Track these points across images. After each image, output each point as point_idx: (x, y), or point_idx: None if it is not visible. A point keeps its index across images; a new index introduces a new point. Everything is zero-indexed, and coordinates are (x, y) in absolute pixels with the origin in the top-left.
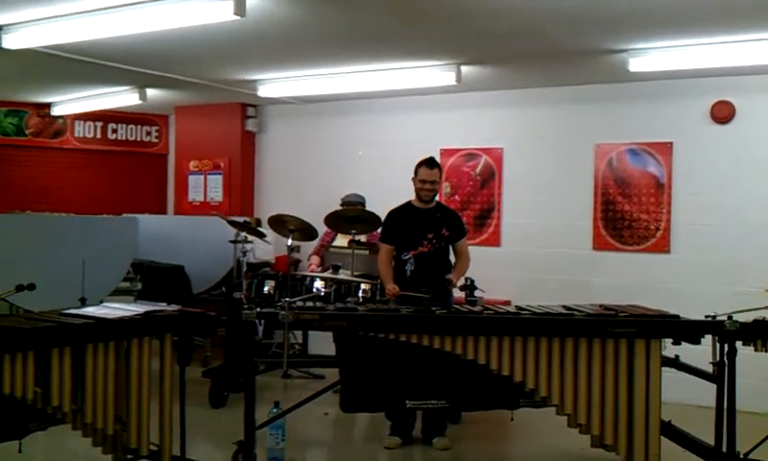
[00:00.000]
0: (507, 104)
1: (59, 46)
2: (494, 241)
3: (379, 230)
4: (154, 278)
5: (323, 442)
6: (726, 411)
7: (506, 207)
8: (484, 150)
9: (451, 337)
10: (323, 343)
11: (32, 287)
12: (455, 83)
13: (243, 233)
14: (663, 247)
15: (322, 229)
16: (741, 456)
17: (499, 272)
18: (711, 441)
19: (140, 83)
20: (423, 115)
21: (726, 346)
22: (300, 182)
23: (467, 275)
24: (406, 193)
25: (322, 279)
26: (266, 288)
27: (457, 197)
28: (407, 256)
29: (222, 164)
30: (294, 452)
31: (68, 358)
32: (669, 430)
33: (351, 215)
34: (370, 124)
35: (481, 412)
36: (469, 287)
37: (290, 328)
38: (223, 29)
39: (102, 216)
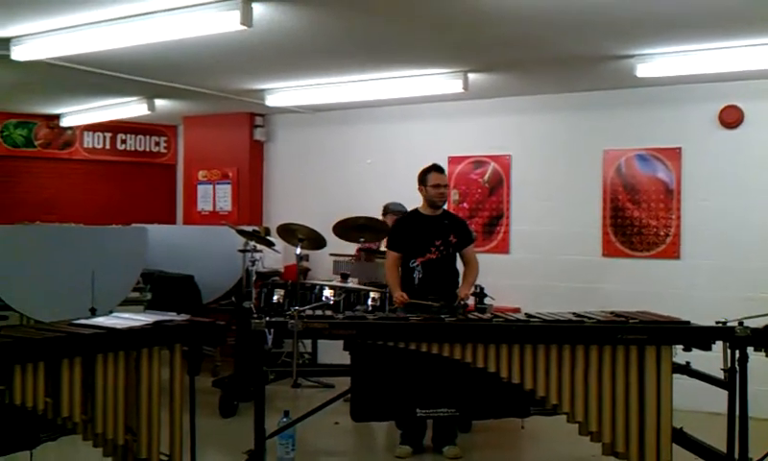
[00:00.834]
0: (515, 111)
1: (67, 58)
2: (503, 248)
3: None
4: (163, 287)
5: (333, 451)
6: (738, 418)
7: (515, 214)
8: (492, 157)
9: (461, 345)
10: (332, 352)
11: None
12: (462, 90)
13: (252, 243)
14: (673, 253)
15: (330, 237)
16: None
17: (508, 279)
18: (723, 448)
19: (149, 93)
20: (431, 123)
21: (737, 352)
22: (308, 191)
23: (476, 282)
24: (414, 201)
25: (331, 287)
26: (275, 297)
27: (465, 204)
28: (415, 264)
29: (230, 174)
30: None
31: (78, 369)
32: (681, 437)
33: (360, 223)
34: (378, 132)
35: (491, 420)
36: (479, 295)
37: (299, 337)
38: (230, 39)
39: (111, 227)
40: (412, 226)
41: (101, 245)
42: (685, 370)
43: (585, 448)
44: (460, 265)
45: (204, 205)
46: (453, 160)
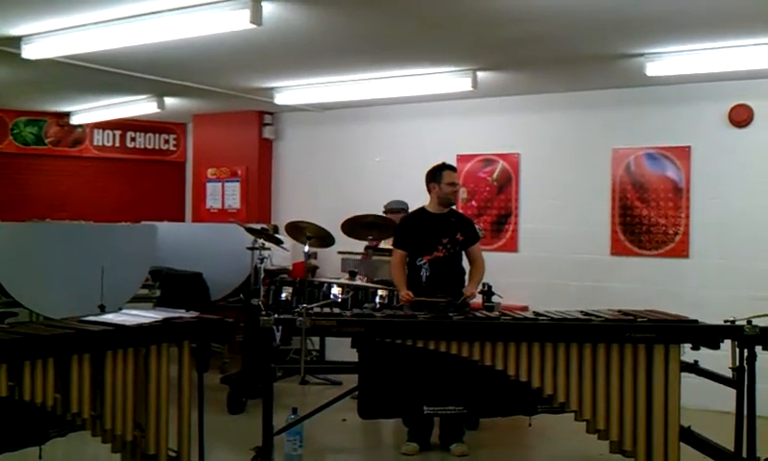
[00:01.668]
0: (524, 109)
1: (77, 56)
2: (512, 247)
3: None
4: (172, 285)
5: (340, 448)
6: (746, 416)
7: (523, 213)
8: (501, 155)
9: (468, 343)
10: (340, 349)
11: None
12: (471, 88)
13: (260, 240)
14: (682, 251)
15: (339, 235)
16: None
17: (517, 277)
18: (731, 446)
19: (158, 91)
20: (440, 121)
21: (745, 351)
22: (316, 189)
23: (484, 280)
24: (423, 199)
25: (339, 285)
26: (283, 294)
27: (474, 202)
28: (422, 262)
29: (239, 172)
30: (311, 458)
31: (87, 365)
32: (689, 436)
33: (368, 221)
34: (386, 130)
35: (499, 418)
36: (487, 293)
37: (307, 335)
38: (239, 37)
39: (120, 224)
40: (419, 224)
41: (110, 242)
42: (694, 368)
43: (592, 447)
44: (466, 264)
45: (212, 202)
46: (462, 159)
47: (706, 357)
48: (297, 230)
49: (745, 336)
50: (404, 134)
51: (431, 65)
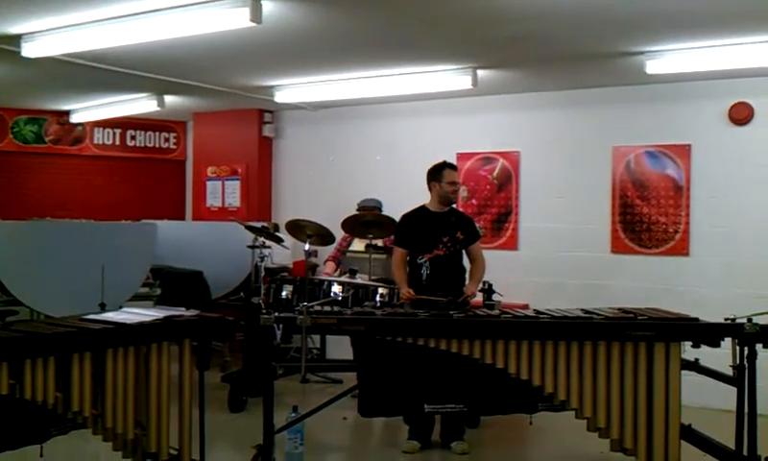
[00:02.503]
0: (524, 107)
1: (77, 54)
2: (512, 245)
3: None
4: (173, 283)
5: (341, 446)
6: (746, 415)
7: (523, 211)
8: (501, 153)
9: (469, 341)
10: (340, 347)
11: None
12: (471, 87)
13: (261, 238)
14: (682, 250)
15: (339, 233)
16: (762, 460)
17: (517, 275)
18: (732, 445)
19: (158, 90)
20: (440, 119)
21: (746, 349)
22: (317, 187)
23: (484, 278)
24: (423, 197)
25: (339, 283)
26: (284, 293)
27: (474, 201)
28: (422, 260)
29: (239, 170)
30: (312, 457)
31: (88, 363)
32: (689, 434)
33: (368, 220)
34: (386, 128)
35: (499, 416)
36: (487, 291)
37: (308, 333)
38: (239, 36)
39: (121, 222)
40: (419, 222)
41: (111, 241)
42: (694, 366)
43: (593, 445)
44: (467, 262)
45: (213, 201)
46: (462, 157)
47: (706, 355)
48: (297, 228)
49: (745, 334)
50: (404, 133)
51: (431, 63)
